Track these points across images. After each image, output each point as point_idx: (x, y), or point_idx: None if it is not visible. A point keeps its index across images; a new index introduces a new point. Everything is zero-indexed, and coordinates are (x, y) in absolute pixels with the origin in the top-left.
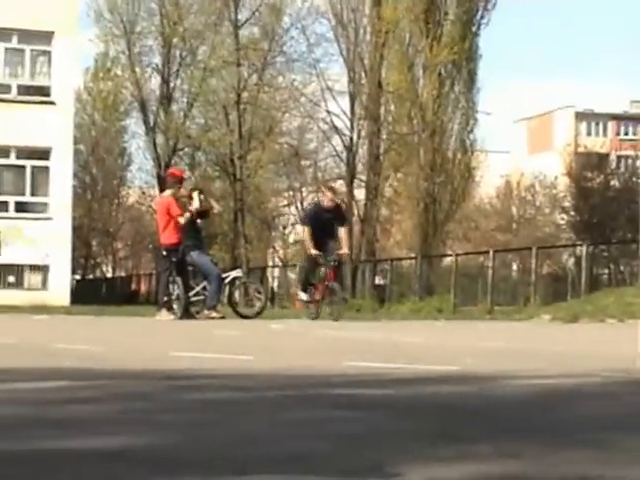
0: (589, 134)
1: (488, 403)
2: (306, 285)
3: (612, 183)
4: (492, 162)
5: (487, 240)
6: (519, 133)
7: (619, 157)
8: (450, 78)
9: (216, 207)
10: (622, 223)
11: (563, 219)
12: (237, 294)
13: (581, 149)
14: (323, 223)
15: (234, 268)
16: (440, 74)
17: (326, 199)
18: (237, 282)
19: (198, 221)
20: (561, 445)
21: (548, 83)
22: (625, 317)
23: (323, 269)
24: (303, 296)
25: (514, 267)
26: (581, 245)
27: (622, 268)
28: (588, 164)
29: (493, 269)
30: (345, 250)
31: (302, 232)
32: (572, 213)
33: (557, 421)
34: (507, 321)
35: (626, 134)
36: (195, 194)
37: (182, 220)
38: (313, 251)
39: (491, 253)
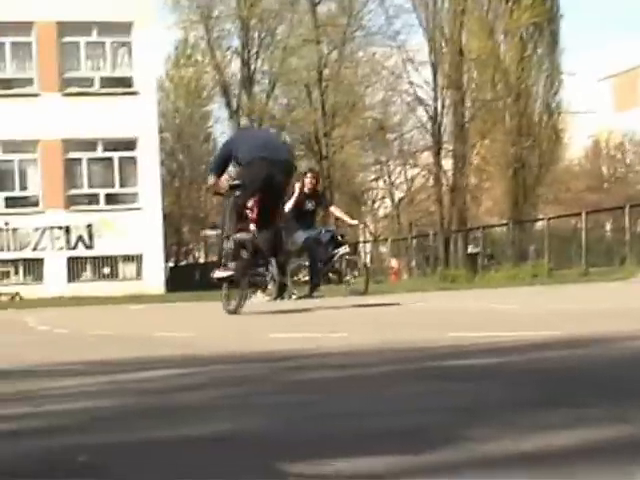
0: None
1: (593, 367)
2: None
3: None
4: (579, 123)
5: (578, 201)
6: (604, 91)
7: None
8: (532, 41)
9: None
10: None
11: None
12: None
13: None
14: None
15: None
16: (521, 37)
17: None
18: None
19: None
20: None
21: (634, 37)
22: None
23: None
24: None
25: (607, 227)
26: None
27: None
28: None
29: (586, 230)
30: None
31: None
32: None
33: None
34: (604, 282)
35: None
36: None
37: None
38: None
39: (583, 214)
